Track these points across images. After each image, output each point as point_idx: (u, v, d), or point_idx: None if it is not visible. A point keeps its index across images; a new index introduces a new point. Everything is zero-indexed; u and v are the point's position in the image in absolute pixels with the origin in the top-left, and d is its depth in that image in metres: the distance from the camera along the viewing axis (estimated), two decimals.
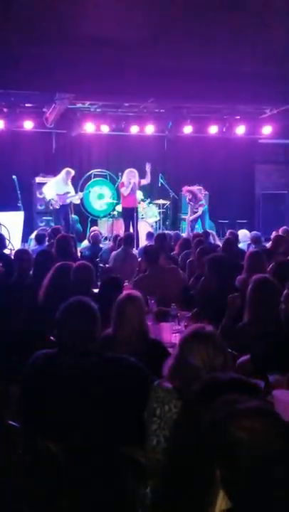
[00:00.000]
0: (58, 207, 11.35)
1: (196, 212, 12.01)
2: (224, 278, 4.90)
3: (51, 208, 11.47)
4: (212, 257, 5.08)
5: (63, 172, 11.50)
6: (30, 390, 2.68)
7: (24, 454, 2.43)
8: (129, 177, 11.07)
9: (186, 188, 12.12)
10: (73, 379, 2.58)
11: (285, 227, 9.21)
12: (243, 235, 10.00)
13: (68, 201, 11.48)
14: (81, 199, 13.32)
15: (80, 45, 8.01)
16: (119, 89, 9.73)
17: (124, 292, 3.55)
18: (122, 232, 10.73)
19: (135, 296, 3.33)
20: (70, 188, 11.59)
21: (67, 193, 11.43)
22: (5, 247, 7.42)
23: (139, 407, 2.49)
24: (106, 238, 11.51)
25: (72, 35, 7.66)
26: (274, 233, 8.54)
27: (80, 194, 12.03)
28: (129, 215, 11.11)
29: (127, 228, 10.98)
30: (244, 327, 3.68)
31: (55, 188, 11.38)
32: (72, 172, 11.63)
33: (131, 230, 10.54)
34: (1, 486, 3.07)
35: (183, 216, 13.23)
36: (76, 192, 11.96)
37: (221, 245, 8.13)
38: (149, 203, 12.75)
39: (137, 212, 11.20)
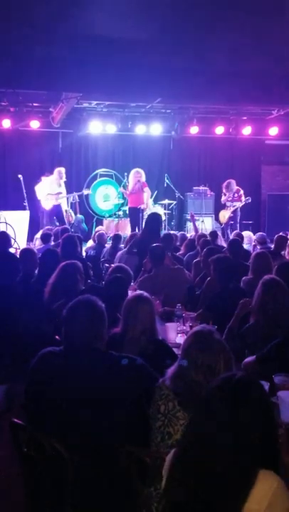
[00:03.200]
0: (47, 208, 11.40)
1: (233, 207, 11.81)
2: (229, 279, 4.90)
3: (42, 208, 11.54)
4: (217, 258, 5.08)
5: (55, 172, 11.57)
6: (35, 387, 2.69)
7: (28, 452, 2.43)
8: (135, 177, 11.07)
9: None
10: (78, 377, 2.59)
11: None
12: (247, 236, 9.96)
13: (60, 201, 11.52)
14: (87, 199, 13.35)
15: (87, 45, 8.02)
16: (126, 89, 9.74)
17: (136, 292, 3.55)
18: (127, 232, 10.73)
19: (147, 297, 3.35)
20: (62, 189, 11.64)
21: (59, 193, 11.48)
22: (10, 245, 7.44)
23: (144, 406, 2.49)
24: (110, 238, 11.52)
25: (79, 35, 7.67)
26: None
27: (75, 194, 11.99)
28: (134, 214, 11.11)
29: (132, 228, 10.98)
30: (252, 328, 3.67)
31: (47, 188, 11.42)
32: (63, 171, 11.66)
33: (136, 230, 10.53)
34: (6, 484, 3.08)
35: (188, 216, 13.21)
36: (71, 192, 11.98)
37: (226, 246, 8.11)
38: (155, 203, 12.75)
39: (142, 212, 11.19)
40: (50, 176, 11.62)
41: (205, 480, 1.59)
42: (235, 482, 1.57)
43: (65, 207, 12.01)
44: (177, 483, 1.68)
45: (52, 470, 2.37)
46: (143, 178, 11.17)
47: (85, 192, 12.10)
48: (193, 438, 1.67)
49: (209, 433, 1.61)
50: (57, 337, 3.72)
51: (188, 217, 13.10)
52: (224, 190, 12.05)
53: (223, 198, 12.14)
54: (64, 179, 11.88)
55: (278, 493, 1.56)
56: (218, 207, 12.78)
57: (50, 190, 11.42)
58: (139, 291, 3.51)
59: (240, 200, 11.84)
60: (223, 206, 12.17)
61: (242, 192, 11.95)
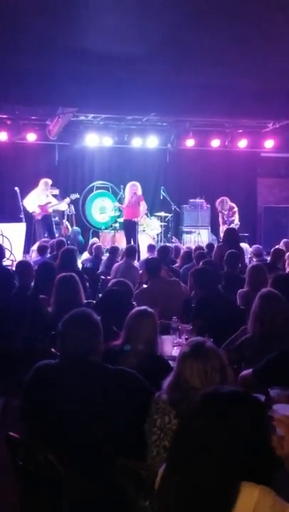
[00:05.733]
0: (40, 217, 11.42)
1: (231, 222, 11.87)
2: (210, 288, 5.07)
3: (34, 219, 11.54)
4: (195, 270, 5.38)
5: (41, 183, 11.55)
6: (31, 400, 2.68)
7: (24, 466, 2.42)
8: (132, 190, 11.11)
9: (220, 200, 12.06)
10: (74, 390, 2.58)
11: (285, 239, 9.19)
12: (244, 248, 9.97)
13: (51, 210, 11.54)
14: (83, 211, 13.39)
15: (84, 61, 8.08)
16: (121, 104, 9.81)
17: (141, 307, 3.53)
18: (123, 245, 10.75)
19: (151, 312, 3.35)
20: (51, 198, 11.66)
21: (49, 203, 11.51)
22: (3, 257, 7.39)
23: (140, 420, 2.49)
24: (107, 250, 11.53)
25: (75, 50, 7.72)
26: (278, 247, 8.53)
27: (67, 200, 12.00)
28: (130, 227, 11.14)
29: (128, 240, 11.01)
30: (248, 341, 3.67)
31: (36, 199, 11.44)
32: (50, 182, 11.70)
33: (132, 243, 10.56)
34: (2, 497, 3.06)
35: (184, 229, 13.26)
36: (60, 200, 11.99)
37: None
38: (151, 215, 12.79)
39: (137, 224, 11.23)
40: (36, 188, 11.61)
41: (191, 495, 1.62)
42: (219, 496, 1.58)
43: (61, 213, 12.05)
44: (166, 497, 1.71)
45: (47, 483, 2.36)
46: (139, 191, 11.20)
47: (73, 197, 12.09)
48: (180, 451, 1.69)
49: (195, 447, 1.62)
50: (53, 350, 3.71)
51: (185, 230, 13.18)
52: (219, 208, 12.04)
53: (220, 219, 12.14)
54: (53, 191, 11.91)
55: (261, 504, 1.57)
56: (215, 219, 12.82)
57: (39, 201, 11.45)
58: (143, 307, 3.49)
59: (234, 216, 11.88)
60: (222, 222, 12.16)
61: (236, 209, 11.97)
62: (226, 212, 11.89)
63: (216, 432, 1.60)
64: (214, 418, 1.63)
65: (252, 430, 1.64)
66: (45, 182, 11.57)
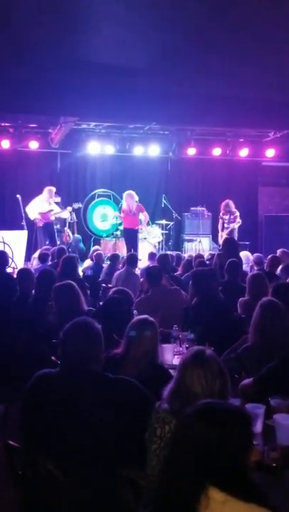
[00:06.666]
0: (41, 225, 11.44)
1: (228, 228, 11.86)
2: (207, 291, 5.05)
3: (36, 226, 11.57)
4: (193, 272, 5.33)
5: (45, 191, 11.60)
6: (31, 409, 2.68)
7: (23, 474, 2.42)
8: (130, 200, 11.13)
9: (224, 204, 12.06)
10: (74, 399, 2.58)
11: (281, 249, 9.16)
12: (245, 256, 9.97)
13: (53, 218, 11.58)
14: (84, 219, 13.42)
15: (85, 71, 8.12)
16: (122, 114, 9.85)
17: (141, 316, 3.53)
18: (124, 252, 10.76)
19: (152, 322, 3.35)
20: (54, 206, 11.71)
21: (51, 210, 11.54)
22: (7, 264, 7.41)
23: (140, 429, 2.49)
24: (108, 258, 11.54)
25: (77, 61, 7.77)
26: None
27: (69, 208, 12.03)
28: (130, 235, 11.15)
29: (128, 248, 11.02)
30: (249, 350, 3.67)
31: (38, 207, 11.48)
32: (54, 189, 11.74)
33: (132, 250, 10.56)
34: (1, 506, 3.05)
35: (186, 237, 13.27)
36: (62, 207, 12.02)
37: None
38: (152, 223, 12.81)
39: (138, 232, 11.24)
40: (39, 196, 11.65)
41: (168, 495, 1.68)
42: (185, 492, 1.64)
43: (63, 221, 12.09)
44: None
45: (47, 492, 2.36)
46: (136, 198, 11.21)
47: (75, 206, 12.15)
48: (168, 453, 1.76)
49: (178, 446, 1.70)
50: (53, 358, 3.71)
51: (186, 238, 13.18)
52: (222, 211, 12.04)
53: (219, 226, 12.15)
54: (56, 199, 11.94)
55: None
56: (216, 227, 12.84)
57: (41, 208, 11.48)
58: (144, 315, 3.49)
59: (235, 222, 11.89)
60: (221, 228, 12.19)
61: (237, 213, 11.99)
62: (226, 217, 11.89)
63: (199, 435, 1.66)
64: (202, 424, 1.68)
65: (232, 442, 1.67)
66: (49, 190, 11.63)
